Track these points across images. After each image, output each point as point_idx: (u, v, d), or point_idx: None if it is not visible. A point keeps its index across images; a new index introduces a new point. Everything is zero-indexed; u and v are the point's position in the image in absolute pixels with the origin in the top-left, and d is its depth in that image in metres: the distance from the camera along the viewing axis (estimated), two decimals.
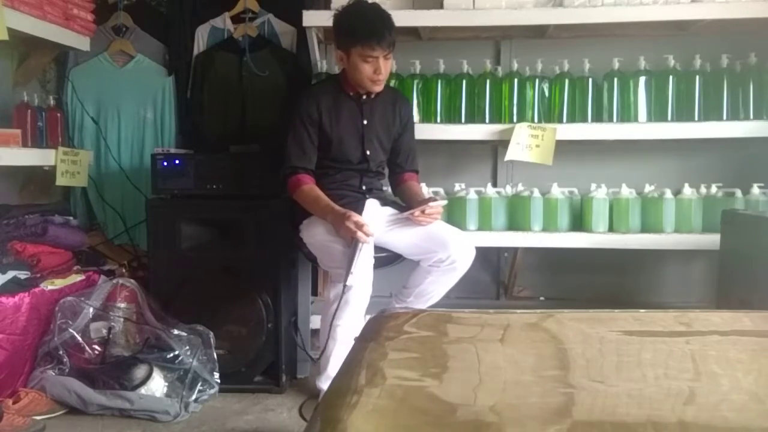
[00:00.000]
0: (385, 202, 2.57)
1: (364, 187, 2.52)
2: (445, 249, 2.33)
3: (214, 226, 2.79)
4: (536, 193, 2.83)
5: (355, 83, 2.44)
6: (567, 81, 2.88)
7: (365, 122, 2.48)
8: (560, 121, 2.87)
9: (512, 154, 2.75)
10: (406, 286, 2.48)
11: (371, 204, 2.50)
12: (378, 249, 2.41)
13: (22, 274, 2.61)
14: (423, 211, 2.34)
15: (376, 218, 2.44)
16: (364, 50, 2.33)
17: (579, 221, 2.87)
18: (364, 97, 2.48)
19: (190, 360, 2.49)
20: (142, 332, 2.59)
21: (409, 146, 2.62)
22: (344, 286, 2.19)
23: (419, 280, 2.42)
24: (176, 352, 2.50)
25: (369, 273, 2.25)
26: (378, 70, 2.36)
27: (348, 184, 2.51)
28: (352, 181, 2.52)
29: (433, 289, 2.41)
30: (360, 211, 2.37)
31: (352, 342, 2.18)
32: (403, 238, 2.43)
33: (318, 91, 2.54)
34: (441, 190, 2.89)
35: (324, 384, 2.29)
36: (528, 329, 1.26)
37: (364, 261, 2.21)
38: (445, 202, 2.47)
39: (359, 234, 2.18)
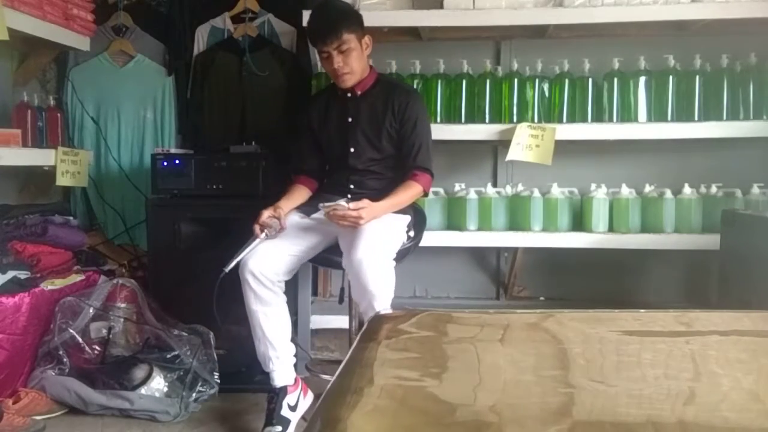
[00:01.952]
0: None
1: (352, 186, 2.47)
2: (346, 256, 2.22)
3: (214, 226, 2.78)
4: (536, 193, 2.83)
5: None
6: (567, 81, 2.88)
7: (350, 120, 2.47)
8: (560, 121, 2.87)
9: (513, 154, 2.75)
10: None
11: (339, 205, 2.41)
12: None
13: (22, 274, 2.61)
14: (327, 213, 2.25)
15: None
16: (317, 48, 2.41)
17: (579, 221, 2.87)
18: (349, 95, 2.47)
19: (190, 360, 2.49)
20: (142, 332, 2.59)
21: (411, 141, 2.41)
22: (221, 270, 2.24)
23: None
24: (176, 352, 2.50)
25: (270, 264, 2.27)
26: (334, 64, 2.35)
27: (338, 183, 2.51)
28: (340, 180, 2.51)
29: (359, 298, 2.21)
30: (311, 211, 2.41)
31: (278, 331, 2.27)
32: (341, 240, 2.35)
33: (314, 97, 2.66)
34: (441, 190, 2.89)
35: (267, 364, 2.30)
36: (528, 329, 1.25)
37: (257, 252, 2.26)
38: (345, 205, 2.22)
39: (254, 225, 2.28)
